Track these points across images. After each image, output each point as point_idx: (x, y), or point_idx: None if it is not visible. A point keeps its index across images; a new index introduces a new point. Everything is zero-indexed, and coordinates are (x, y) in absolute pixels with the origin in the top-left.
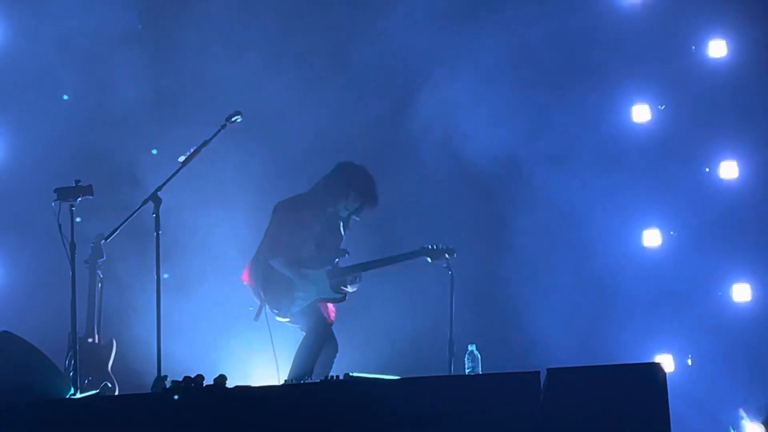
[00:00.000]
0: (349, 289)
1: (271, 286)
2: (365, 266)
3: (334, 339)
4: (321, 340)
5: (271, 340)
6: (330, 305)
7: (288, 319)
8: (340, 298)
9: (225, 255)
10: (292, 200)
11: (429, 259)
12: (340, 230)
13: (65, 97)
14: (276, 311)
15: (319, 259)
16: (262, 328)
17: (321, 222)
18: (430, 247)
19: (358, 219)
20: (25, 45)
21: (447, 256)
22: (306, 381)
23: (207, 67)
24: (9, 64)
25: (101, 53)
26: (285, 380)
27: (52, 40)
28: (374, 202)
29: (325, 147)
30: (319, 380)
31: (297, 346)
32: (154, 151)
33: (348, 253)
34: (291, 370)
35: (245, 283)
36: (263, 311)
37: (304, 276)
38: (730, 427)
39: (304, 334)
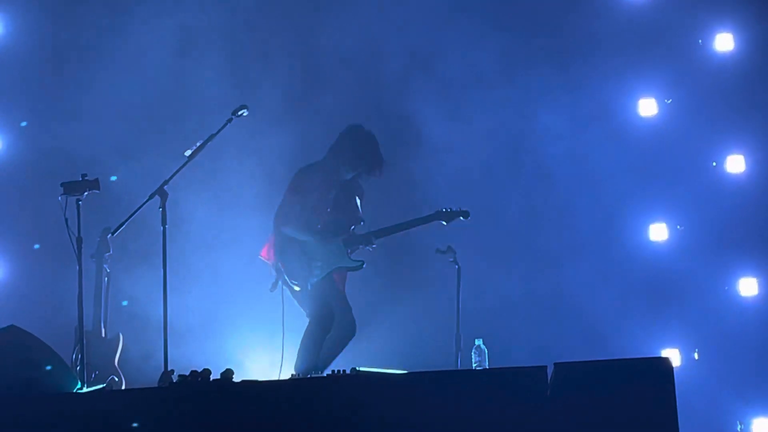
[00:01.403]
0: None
1: (287, 255)
2: (381, 232)
3: (350, 317)
4: (325, 324)
5: (282, 324)
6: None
7: (297, 288)
8: (357, 266)
9: (234, 249)
10: (308, 167)
11: (444, 222)
12: (355, 198)
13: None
14: (294, 282)
15: (334, 226)
16: (270, 322)
17: (335, 188)
18: (444, 210)
19: (363, 181)
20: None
21: (462, 218)
22: (313, 372)
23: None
24: (14, 58)
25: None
26: (292, 374)
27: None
28: (379, 165)
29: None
30: (326, 374)
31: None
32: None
33: (363, 221)
34: (297, 361)
35: (264, 259)
36: (279, 286)
37: (319, 242)
38: (738, 422)
39: (308, 321)
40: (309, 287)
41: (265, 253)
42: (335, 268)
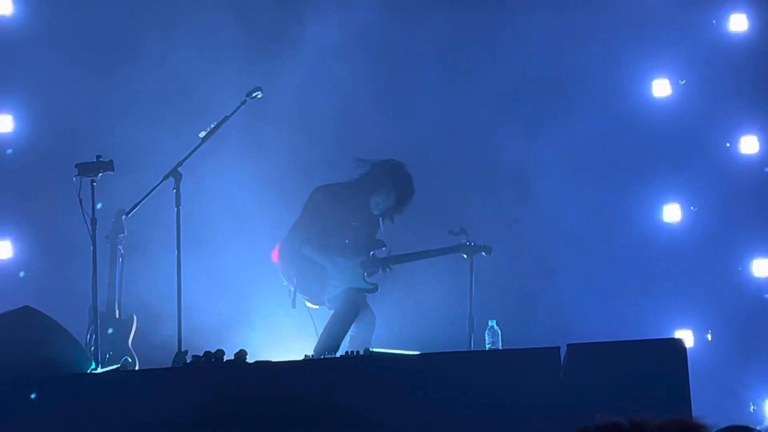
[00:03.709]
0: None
1: (303, 273)
2: (400, 258)
3: (369, 310)
4: (348, 323)
5: (312, 320)
6: None
7: (318, 306)
8: (371, 289)
9: (249, 230)
10: (330, 188)
11: (465, 256)
12: (378, 221)
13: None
14: (307, 297)
15: (353, 248)
16: (283, 304)
17: (357, 214)
18: (467, 243)
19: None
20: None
21: (484, 254)
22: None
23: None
24: (29, 35)
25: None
26: (306, 354)
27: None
28: (408, 203)
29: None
30: (339, 355)
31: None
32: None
33: (385, 246)
34: (317, 344)
35: (274, 261)
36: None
37: (336, 264)
38: (750, 403)
39: (333, 311)
40: (326, 303)
41: (276, 257)
42: (348, 288)
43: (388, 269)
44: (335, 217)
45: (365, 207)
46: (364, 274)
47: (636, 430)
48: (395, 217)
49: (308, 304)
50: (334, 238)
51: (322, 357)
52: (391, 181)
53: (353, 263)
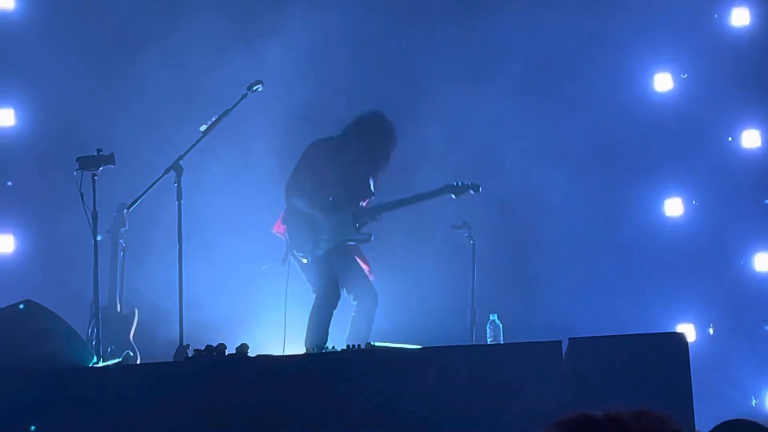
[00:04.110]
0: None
1: (294, 227)
2: (389, 206)
3: (372, 290)
4: (330, 300)
5: (285, 304)
6: (363, 263)
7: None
8: (364, 239)
9: (248, 223)
10: (322, 141)
11: (453, 196)
12: (366, 174)
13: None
14: (300, 254)
15: (343, 200)
16: (288, 298)
17: (346, 164)
18: (454, 183)
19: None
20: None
21: (472, 192)
22: (324, 347)
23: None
24: (31, 30)
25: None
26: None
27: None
28: (378, 153)
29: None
30: (341, 349)
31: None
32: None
33: (374, 196)
34: (306, 338)
35: (277, 232)
36: (289, 259)
37: (327, 215)
38: (752, 397)
39: (315, 298)
40: (323, 257)
41: (277, 226)
42: (341, 240)
43: (378, 218)
44: (324, 166)
45: (351, 156)
46: (355, 225)
47: (611, 422)
48: (378, 172)
49: (303, 261)
50: (324, 187)
51: (323, 350)
52: (354, 131)
53: (345, 215)
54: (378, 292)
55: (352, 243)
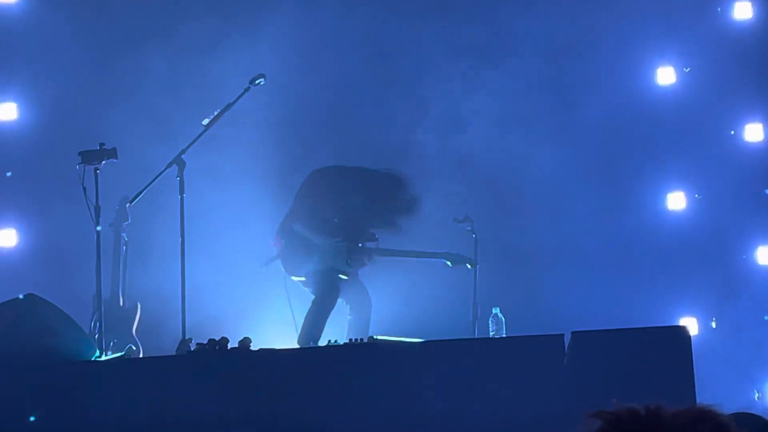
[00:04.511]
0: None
1: (288, 246)
2: (386, 252)
3: (365, 297)
4: (329, 307)
5: (289, 302)
6: None
7: (299, 279)
8: (348, 275)
9: (251, 217)
10: (323, 172)
11: (449, 263)
12: (374, 218)
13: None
14: (284, 267)
15: (340, 229)
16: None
17: (349, 203)
18: (453, 252)
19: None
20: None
21: (468, 266)
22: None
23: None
24: (33, 23)
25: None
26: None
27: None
28: (390, 218)
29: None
30: (342, 343)
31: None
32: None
33: (377, 239)
34: (300, 334)
35: (276, 246)
36: (274, 264)
37: (325, 239)
38: (755, 391)
39: (313, 298)
40: (304, 277)
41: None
42: (329, 267)
43: (370, 261)
44: (328, 197)
45: (359, 201)
46: (347, 260)
47: (652, 418)
48: (382, 228)
49: (293, 278)
50: (322, 216)
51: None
52: (374, 191)
53: (339, 246)
54: (380, 285)
55: (339, 274)
